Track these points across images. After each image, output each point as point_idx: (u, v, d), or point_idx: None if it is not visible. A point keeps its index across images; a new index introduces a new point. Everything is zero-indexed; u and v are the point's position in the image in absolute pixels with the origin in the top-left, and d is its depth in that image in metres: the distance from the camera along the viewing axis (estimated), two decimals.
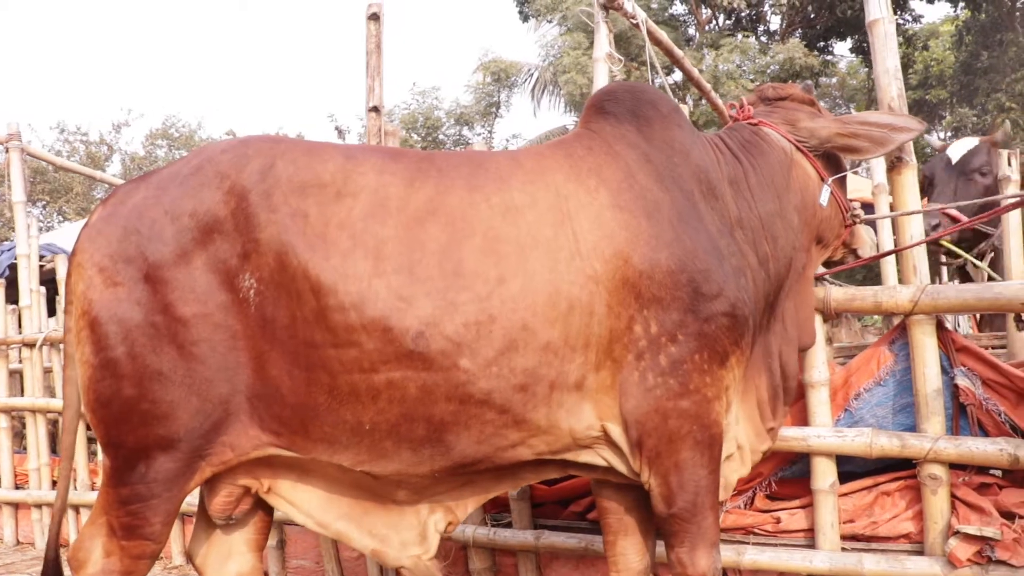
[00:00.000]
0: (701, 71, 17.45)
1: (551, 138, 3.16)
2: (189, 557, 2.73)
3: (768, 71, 18.12)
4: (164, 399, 2.23)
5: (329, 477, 2.52)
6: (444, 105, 25.66)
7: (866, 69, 23.36)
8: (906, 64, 22.59)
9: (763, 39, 20.81)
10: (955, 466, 2.95)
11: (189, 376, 2.23)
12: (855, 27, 19.65)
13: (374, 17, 3.97)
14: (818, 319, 3.07)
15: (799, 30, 20.65)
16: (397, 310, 2.21)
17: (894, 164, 2.99)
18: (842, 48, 22.89)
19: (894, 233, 3.06)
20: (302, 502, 2.54)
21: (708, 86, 5.65)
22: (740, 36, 19.29)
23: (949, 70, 21.50)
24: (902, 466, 3.07)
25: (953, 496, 2.93)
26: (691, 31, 21.67)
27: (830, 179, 2.84)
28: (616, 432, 2.40)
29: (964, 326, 7.31)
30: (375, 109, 3.99)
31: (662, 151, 2.54)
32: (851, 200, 3.00)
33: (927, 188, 4.60)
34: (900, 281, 3.13)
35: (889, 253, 3.15)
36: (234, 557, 2.70)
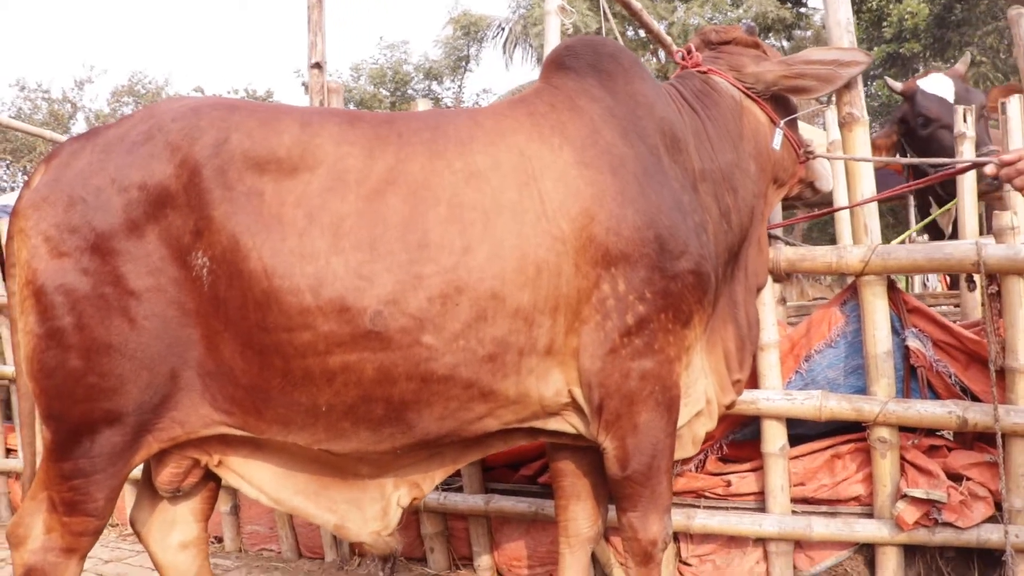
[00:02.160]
0: (672, 24, 17.23)
1: (524, 91, 3.08)
2: (131, 524, 2.66)
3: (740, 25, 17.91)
4: (113, 372, 2.15)
5: (285, 451, 2.44)
6: (413, 59, 25.30)
7: None
8: (880, 17, 22.40)
9: None
10: (905, 429, 2.92)
11: (140, 349, 2.15)
12: None
13: None
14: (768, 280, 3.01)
15: None
16: (355, 289, 2.13)
17: (845, 120, 2.91)
18: (816, 0, 22.61)
19: (848, 191, 2.97)
20: (255, 477, 2.47)
21: (669, 40, 5.52)
22: None
23: (923, 23, 21.32)
24: (853, 429, 3.03)
25: (902, 459, 2.91)
26: None
27: (782, 122, 2.80)
28: (580, 396, 2.36)
29: (933, 282, 7.30)
30: (317, 65, 3.85)
31: (626, 105, 2.47)
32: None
33: (928, 131, 4.47)
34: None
35: (844, 208, 3.06)
36: (178, 526, 2.64)
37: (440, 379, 2.21)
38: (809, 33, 26.84)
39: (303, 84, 20.62)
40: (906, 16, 21.93)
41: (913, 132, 4.51)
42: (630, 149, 2.40)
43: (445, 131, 2.36)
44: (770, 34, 18.89)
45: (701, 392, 2.62)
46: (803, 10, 21.96)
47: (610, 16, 4.07)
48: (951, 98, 4.45)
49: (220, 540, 4.46)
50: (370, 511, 2.52)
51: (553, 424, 2.46)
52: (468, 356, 2.21)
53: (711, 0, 18.01)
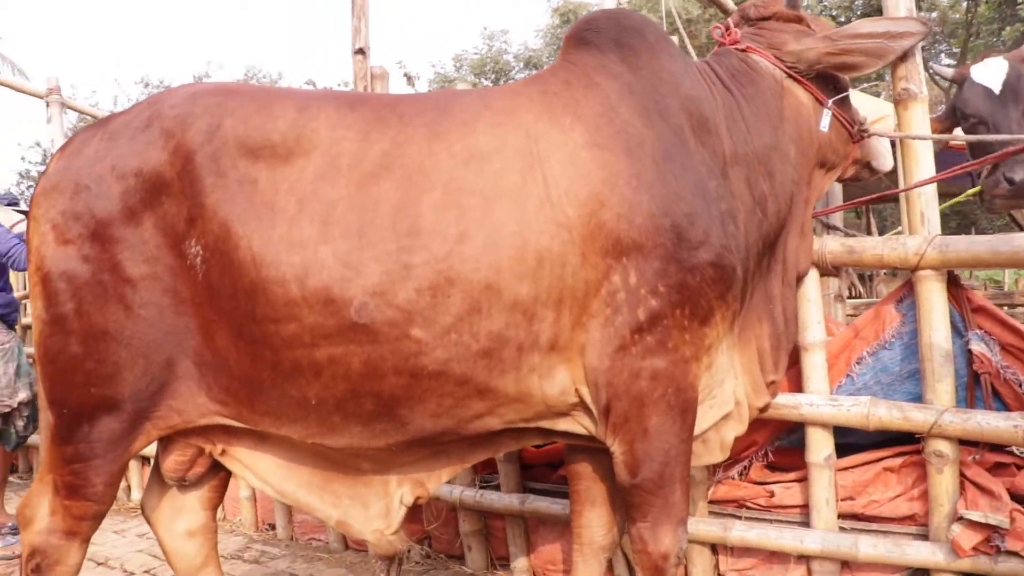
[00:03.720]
0: None
1: (543, 70, 2.89)
2: (141, 508, 2.68)
3: (854, 6, 16.98)
4: (109, 359, 2.16)
5: (288, 443, 2.40)
6: (512, 49, 25.23)
7: (968, 2, 21.70)
8: None
9: None
10: (967, 443, 2.61)
11: (135, 337, 2.16)
12: None
13: None
14: (813, 273, 2.75)
15: None
16: (341, 279, 2.06)
17: (900, 97, 2.61)
18: None
19: (903, 174, 2.67)
20: (259, 468, 2.45)
21: None
22: None
23: None
24: (911, 440, 2.73)
25: (962, 476, 2.60)
26: None
27: (830, 102, 2.57)
28: (587, 395, 2.21)
29: None
30: (361, 51, 3.76)
31: (648, 82, 2.31)
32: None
33: (966, 127, 3.99)
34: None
35: (898, 192, 2.75)
36: (185, 514, 2.65)
37: (431, 375, 2.11)
38: (934, 14, 25.26)
39: (405, 75, 20.88)
40: None
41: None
42: (650, 129, 2.22)
43: (450, 112, 2.25)
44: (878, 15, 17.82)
45: (730, 394, 2.43)
46: None
47: None
48: (998, 88, 3.86)
49: (273, 527, 4.50)
50: (374, 508, 2.45)
51: (563, 424, 2.32)
52: (461, 351, 2.10)
53: None
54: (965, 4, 21.56)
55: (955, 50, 19.64)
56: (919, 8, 20.23)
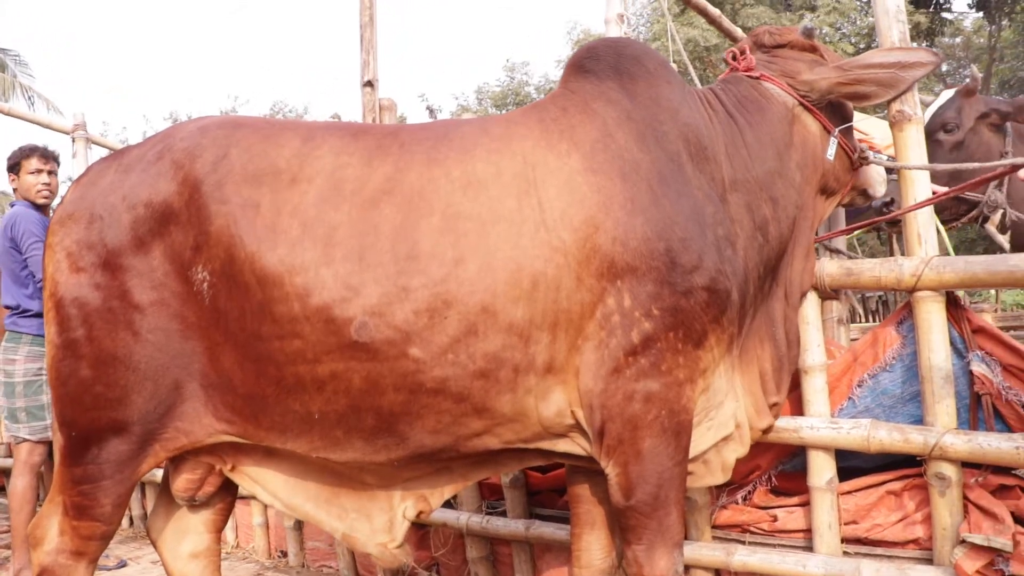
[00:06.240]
0: None
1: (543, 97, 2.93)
2: (147, 531, 2.72)
3: (871, 33, 16.96)
4: (118, 383, 2.22)
5: (296, 459, 2.44)
6: (534, 80, 25.40)
7: (991, 27, 21.61)
8: None
9: None
10: (970, 465, 2.58)
11: (143, 361, 2.21)
12: None
13: None
14: (813, 296, 2.75)
15: None
16: (342, 300, 2.11)
17: (896, 118, 2.62)
18: (960, 4, 21.18)
19: (901, 195, 2.68)
20: (268, 482, 2.49)
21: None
22: None
23: None
24: (913, 463, 2.71)
25: (965, 499, 2.56)
26: None
27: (836, 131, 2.60)
28: (583, 417, 2.23)
29: None
30: (369, 84, 3.84)
31: (646, 108, 2.35)
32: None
33: None
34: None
35: (889, 217, 2.77)
36: (190, 536, 2.68)
37: (429, 392, 2.15)
38: (958, 40, 25.16)
39: (427, 108, 21.15)
40: None
41: None
42: (645, 154, 2.26)
43: (449, 139, 2.30)
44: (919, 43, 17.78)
45: (729, 415, 2.44)
46: (948, 15, 20.57)
47: (672, 26, 3.87)
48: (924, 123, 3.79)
49: (285, 555, 4.51)
50: (377, 522, 2.48)
51: (563, 446, 2.33)
52: (458, 371, 2.13)
53: (837, 8, 17.14)
54: (989, 29, 21.48)
55: (979, 74, 19.50)
56: (942, 33, 20.24)
